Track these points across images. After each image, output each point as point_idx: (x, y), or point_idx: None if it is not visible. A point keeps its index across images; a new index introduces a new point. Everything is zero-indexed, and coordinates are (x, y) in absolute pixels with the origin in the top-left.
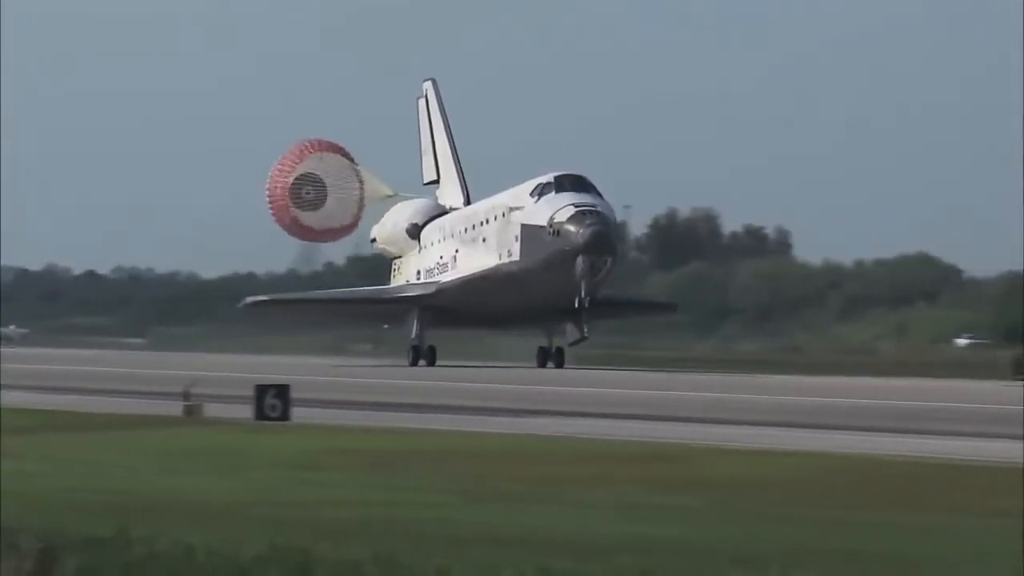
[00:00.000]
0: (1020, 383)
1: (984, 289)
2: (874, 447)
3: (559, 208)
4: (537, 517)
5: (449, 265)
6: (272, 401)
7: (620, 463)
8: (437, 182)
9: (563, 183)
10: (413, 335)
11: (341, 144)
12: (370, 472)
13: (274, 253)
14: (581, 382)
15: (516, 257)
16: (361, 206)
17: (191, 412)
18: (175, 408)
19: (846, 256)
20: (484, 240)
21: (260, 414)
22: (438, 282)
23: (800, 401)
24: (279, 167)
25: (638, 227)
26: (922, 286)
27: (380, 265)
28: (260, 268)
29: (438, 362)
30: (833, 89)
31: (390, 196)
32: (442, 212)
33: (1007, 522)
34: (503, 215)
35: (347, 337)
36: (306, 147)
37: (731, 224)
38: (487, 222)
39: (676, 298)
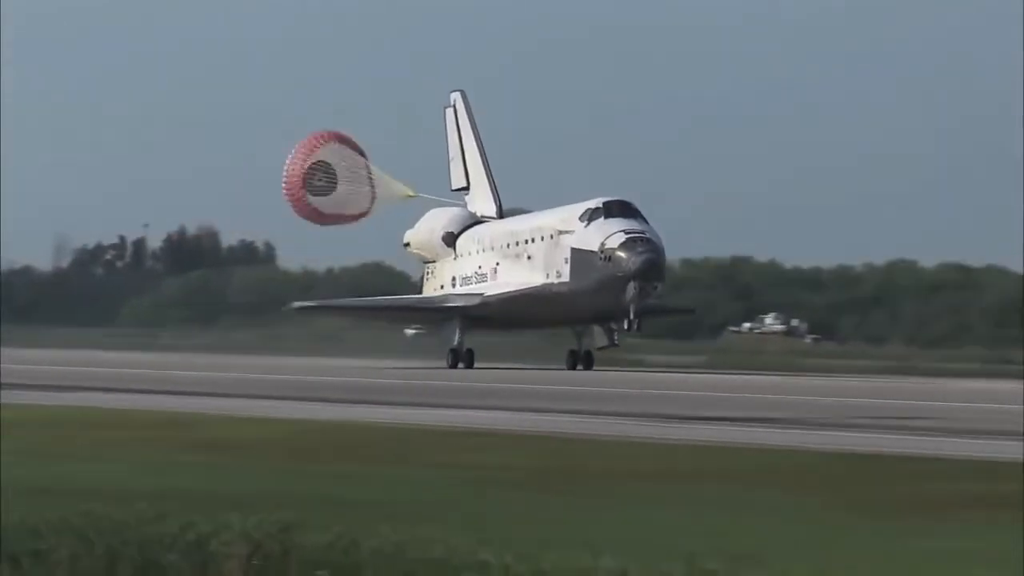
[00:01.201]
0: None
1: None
2: (337, 415)
3: (610, 234)
4: (83, 473)
5: (488, 276)
6: None
7: (142, 429)
8: (466, 189)
9: (612, 209)
10: (455, 341)
11: (352, 137)
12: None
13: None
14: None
15: (566, 279)
16: (373, 196)
17: None
18: None
19: (320, 265)
20: (529, 258)
21: None
22: (482, 294)
23: (290, 379)
24: (294, 156)
25: (155, 241)
26: (378, 288)
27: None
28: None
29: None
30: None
31: (411, 196)
32: (476, 222)
33: (442, 473)
34: (551, 237)
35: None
36: (320, 137)
37: (229, 239)
38: (532, 241)
39: (185, 298)
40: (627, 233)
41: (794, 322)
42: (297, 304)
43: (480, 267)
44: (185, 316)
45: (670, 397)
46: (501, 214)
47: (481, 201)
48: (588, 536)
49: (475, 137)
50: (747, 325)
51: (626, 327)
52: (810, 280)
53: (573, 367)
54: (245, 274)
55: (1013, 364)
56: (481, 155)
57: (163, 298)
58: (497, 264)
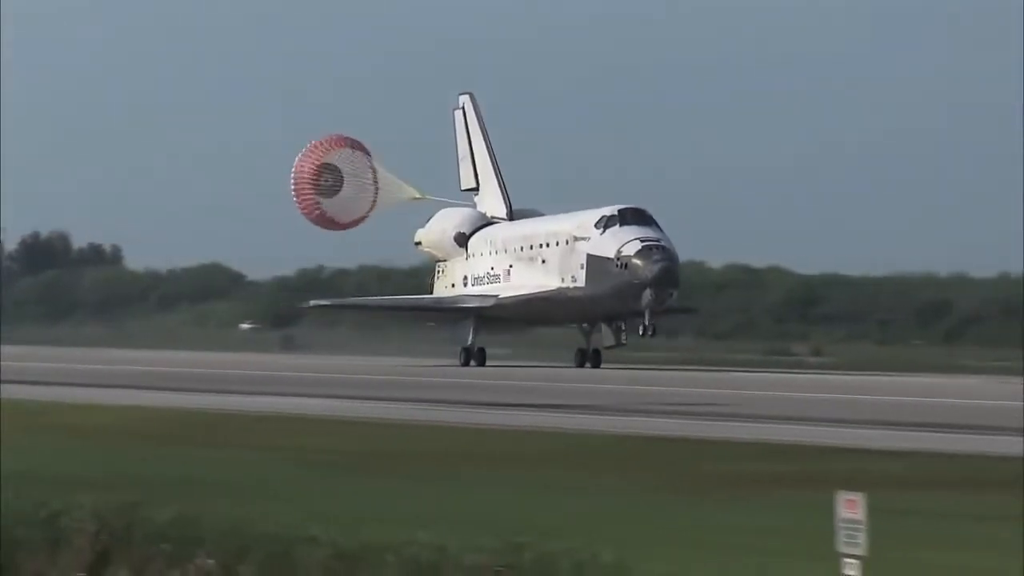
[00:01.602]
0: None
1: (260, 289)
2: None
3: (626, 242)
4: None
5: (501, 277)
6: None
7: None
8: (475, 190)
9: (626, 216)
10: (469, 340)
11: (360, 140)
12: None
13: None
14: None
15: (581, 284)
16: (375, 198)
17: None
18: None
19: (161, 265)
20: (543, 262)
21: None
22: (496, 296)
23: (140, 370)
24: (302, 159)
25: (10, 243)
26: (216, 287)
27: None
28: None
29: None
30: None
31: (418, 198)
32: (487, 223)
33: (274, 455)
34: (566, 243)
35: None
36: (328, 141)
37: (79, 241)
38: (546, 246)
39: (35, 296)
40: (643, 241)
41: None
42: (313, 302)
43: (493, 268)
44: (39, 313)
45: (489, 387)
46: (511, 215)
47: (491, 202)
48: (409, 512)
49: (484, 139)
50: None
51: (641, 332)
52: None
53: (581, 365)
54: (94, 274)
55: (793, 356)
56: (490, 156)
57: (18, 296)
58: (510, 266)
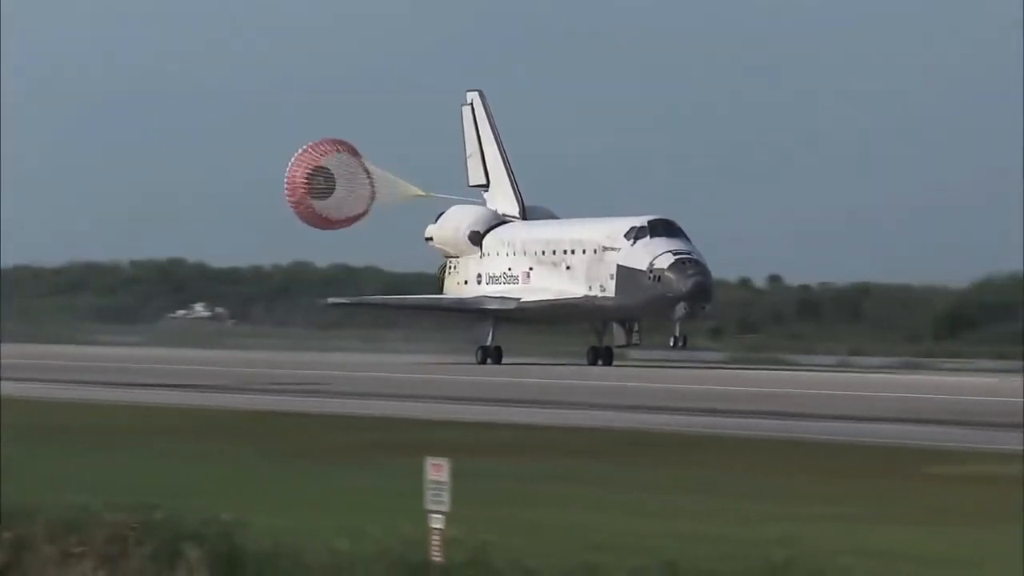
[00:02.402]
0: None
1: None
2: None
3: (658, 255)
4: None
5: (520, 279)
6: None
7: None
8: (485, 187)
9: (657, 228)
10: (488, 340)
11: (349, 142)
12: None
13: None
14: None
15: (611, 294)
16: (372, 196)
17: None
18: None
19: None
20: (568, 268)
21: None
22: (518, 299)
23: None
24: (297, 162)
25: None
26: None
27: None
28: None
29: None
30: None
31: (421, 196)
32: (501, 222)
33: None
34: (594, 251)
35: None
36: (317, 146)
37: None
38: (572, 252)
39: None
40: (675, 254)
41: (218, 309)
42: (332, 300)
43: (510, 269)
44: None
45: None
46: (524, 213)
47: (502, 199)
48: (63, 478)
49: (494, 136)
50: (181, 312)
51: (672, 343)
52: (229, 276)
53: (594, 362)
54: None
55: (387, 343)
56: (501, 154)
57: None
58: (530, 268)
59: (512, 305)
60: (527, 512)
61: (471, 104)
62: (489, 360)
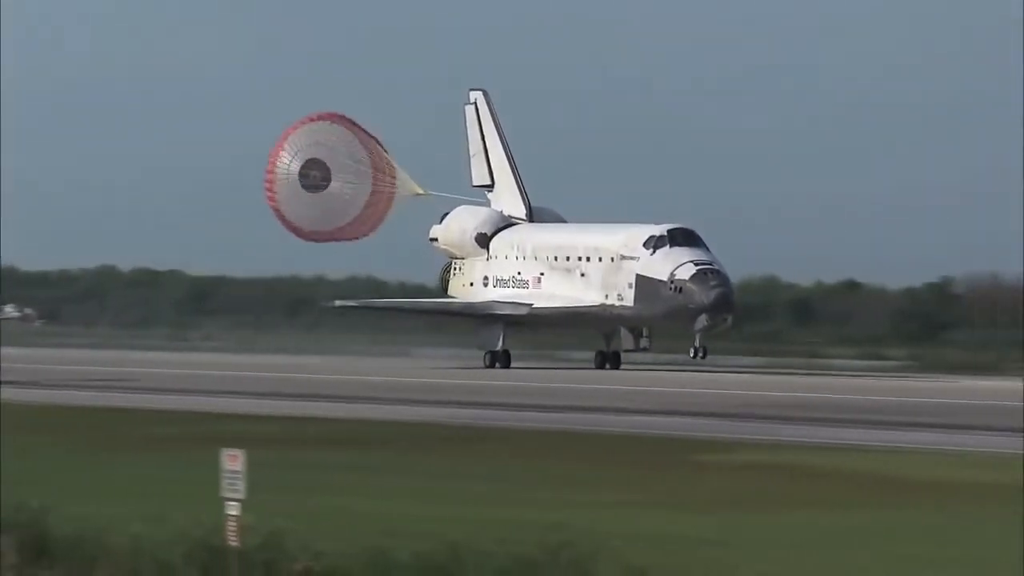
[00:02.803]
0: None
1: None
2: None
3: (679, 265)
4: None
5: (531, 284)
6: None
7: None
8: (489, 187)
9: (676, 237)
10: (499, 345)
11: (344, 114)
12: None
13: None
14: None
15: (629, 303)
16: (371, 193)
17: None
18: None
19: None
20: (583, 275)
21: None
22: (530, 305)
23: None
24: (278, 158)
25: None
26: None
27: None
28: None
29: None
30: None
31: (420, 195)
32: (508, 224)
33: None
34: (611, 259)
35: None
36: (305, 121)
37: None
38: (587, 259)
39: None
40: (696, 264)
41: (27, 310)
42: (339, 302)
43: (520, 273)
44: None
45: None
46: (531, 215)
47: (507, 200)
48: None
49: (499, 136)
50: None
51: (692, 354)
52: (38, 278)
53: (601, 366)
54: None
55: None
56: (506, 154)
57: None
58: (541, 274)
59: (524, 311)
60: (323, 499)
61: (475, 103)
62: (498, 364)
